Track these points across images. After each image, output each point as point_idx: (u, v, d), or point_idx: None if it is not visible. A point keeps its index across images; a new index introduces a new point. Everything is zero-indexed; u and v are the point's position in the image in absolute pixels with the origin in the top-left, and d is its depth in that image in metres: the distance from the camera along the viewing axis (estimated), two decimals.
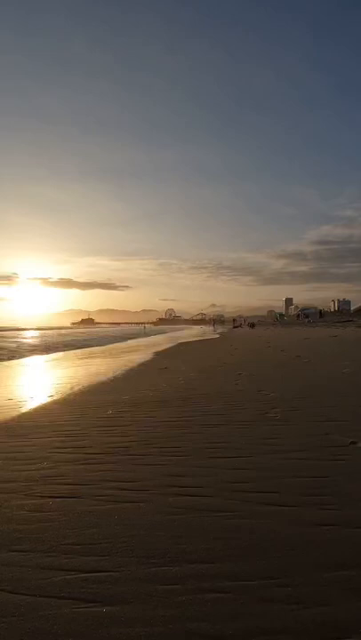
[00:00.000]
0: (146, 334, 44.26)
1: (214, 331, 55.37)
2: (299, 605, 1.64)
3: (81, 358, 15.74)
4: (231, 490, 2.75)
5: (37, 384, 9.29)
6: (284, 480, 2.89)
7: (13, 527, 2.33)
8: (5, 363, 14.24)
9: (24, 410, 5.98)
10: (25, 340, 32.00)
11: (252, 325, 65.97)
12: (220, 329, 66.16)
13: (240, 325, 70.62)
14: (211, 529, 2.25)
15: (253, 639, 1.48)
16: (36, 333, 50.20)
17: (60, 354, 18.60)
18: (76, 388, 7.57)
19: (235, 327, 69.79)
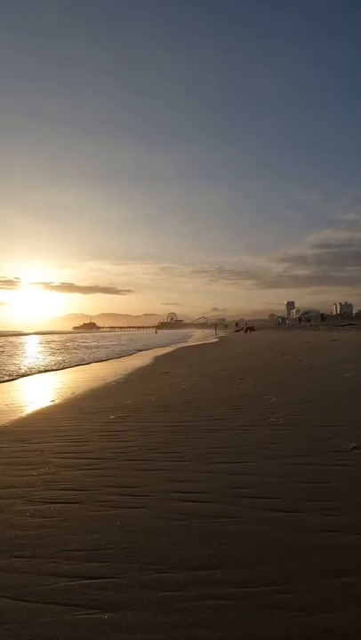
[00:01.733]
0: (183, 340, 41.27)
1: (216, 334, 55.34)
2: (301, 612, 1.63)
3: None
4: (233, 495, 2.74)
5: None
6: (287, 485, 2.88)
7: (15, 533, 2.33)
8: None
9: (24, 414, 5.99)
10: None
11: (247, 330, 65.09)
12: (221, 333, 66.11)
13: (242, 329, 70.51)
14: (213, 535, 2.24)
15: None
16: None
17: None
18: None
19: (236, 331, 69.77)
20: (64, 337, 58.22)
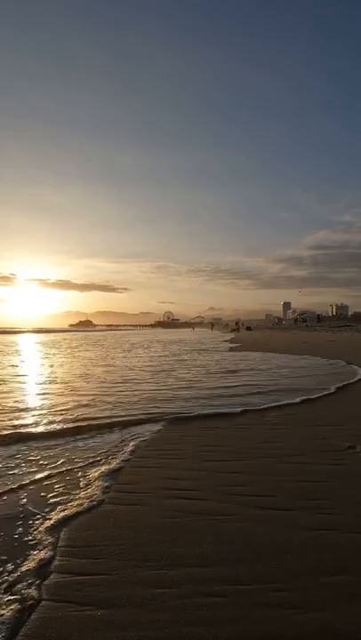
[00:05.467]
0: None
1: (211, 332, 55.47)
2: (295, 610, 1.63)
3: None
4: (228, 493, 2.73)
5: None
6: (281, 484, 2.88)
7: None
8: None
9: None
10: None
11: (238, 329, 64.86)
12: (216, 331, 66.29)
13: (236, 329, 70.85)
14: (207, 532, 2.23)
15: None
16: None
17: None
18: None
19: (232, 330, 70.01)
20: (71, 335, 47.28)
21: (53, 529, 2.28)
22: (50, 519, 2.38)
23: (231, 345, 23.48)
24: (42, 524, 2.35)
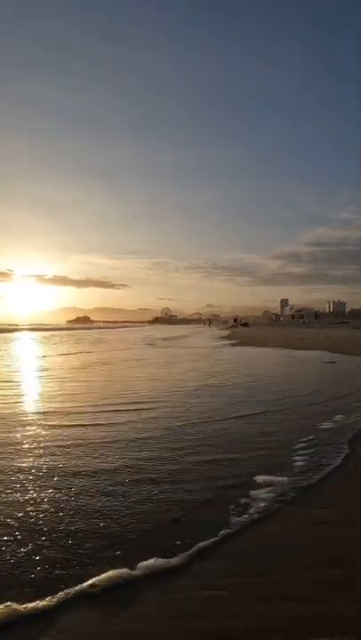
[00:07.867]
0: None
1: (209, 328, 55.41)
2: (294, 603, 1.65)
3: None
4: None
5: None
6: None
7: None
8: None
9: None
10: None
11: (236, 325, 64.70)
12: (215, 328, 66.36)
13: (236, 326, 70.99)
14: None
15: (250, 636, 1.49)
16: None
17: None
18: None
19: (231, 326, 70.09)
20: (67, 334, 40.82)
21: None
22: None
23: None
24: None
